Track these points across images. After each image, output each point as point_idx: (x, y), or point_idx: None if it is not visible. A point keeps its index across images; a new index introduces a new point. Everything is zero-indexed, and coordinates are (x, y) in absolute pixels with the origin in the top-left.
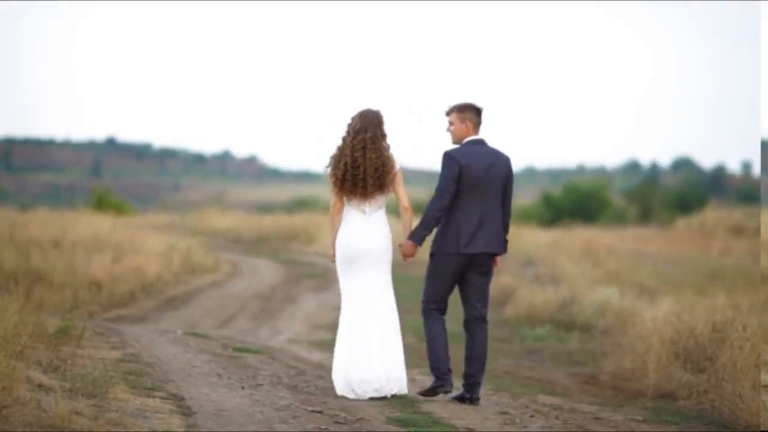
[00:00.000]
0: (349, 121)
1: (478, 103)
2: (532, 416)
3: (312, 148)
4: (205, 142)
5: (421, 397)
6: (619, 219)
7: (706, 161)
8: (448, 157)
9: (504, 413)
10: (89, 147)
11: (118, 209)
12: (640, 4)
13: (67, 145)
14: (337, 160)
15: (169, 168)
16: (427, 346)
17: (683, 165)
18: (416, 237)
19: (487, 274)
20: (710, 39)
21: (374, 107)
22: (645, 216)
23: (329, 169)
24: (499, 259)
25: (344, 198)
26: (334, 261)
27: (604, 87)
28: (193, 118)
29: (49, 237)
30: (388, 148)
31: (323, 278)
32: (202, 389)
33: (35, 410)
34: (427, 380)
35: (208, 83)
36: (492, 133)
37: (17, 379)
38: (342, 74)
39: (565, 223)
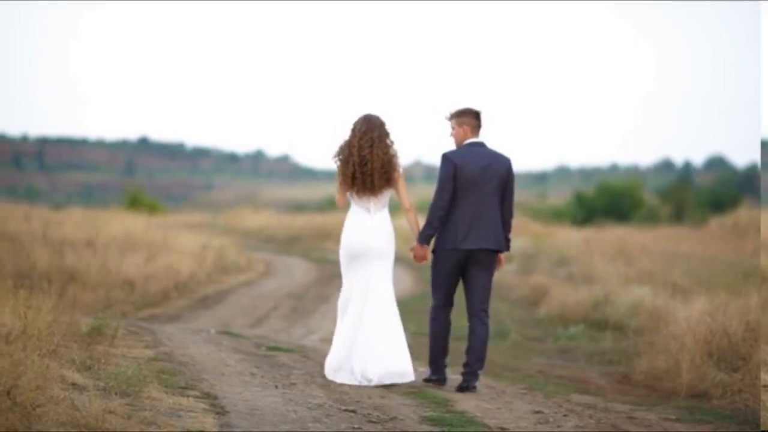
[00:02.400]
0: (353, 125)
1: (476, 108)
2: (565, 415)
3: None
4: (237, 142)
5: (455, 395)
6: (652, 218)
7: (740, 160)
8: (444, 158)
9: (537, 412)
10: (122, 146)
11: (151, 208)
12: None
13: (100, 145)
14: (346, 159)
15: (202, 167)
16: (429, 338)
17: (716, 164)
18: (422, 237)
19: (487, 269)
20: (744, 38)
21: (375, 113)
22: (678, 215)
23: (339, 167)
24: (503, 257)
25: (350, 195)
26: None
27: (638, 86)
28: (225, 117)
29: (83, 236)
30: (392, 144)
31: None
32: (235, 388)
33: (69, 409)
34: (461, 378)
35: (241, 83)
36: (525, 133)
37: (51, 378)
38: (374, 74)
39: (598, 222)
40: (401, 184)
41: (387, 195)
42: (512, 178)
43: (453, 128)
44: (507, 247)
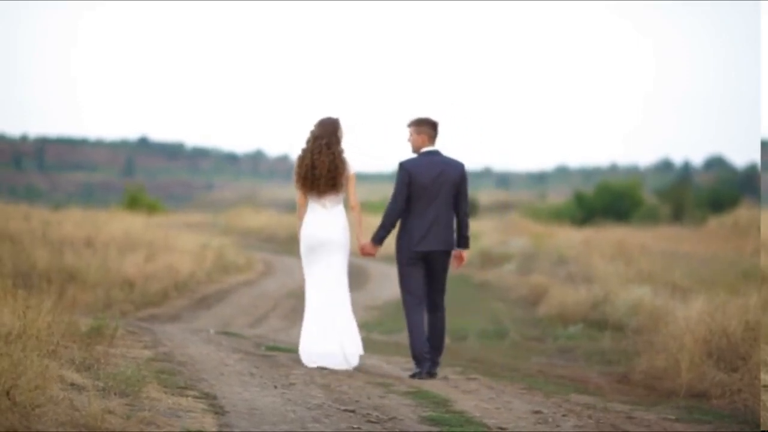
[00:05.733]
0: (312, 128)
1: (434, 118)
2: (564, 415)
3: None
4: (237, 142)
5: (454, 396)
6: (652, 218)
7: (740, 160)
8: (400, 167)
9: (537, 412)
10: (122, 146)
11: (151, 208)
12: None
13: (100, 145)
14: (301, 161)
15: (202, 167)
16: (408, 335)
17: (716, 164)
18: (376, 238)
19: (442, 268)
20: (744, 38)
21: (333, 116)
22: (678, 215)
23: (295, 169)
24: (464, 253)
25: (307, 194)
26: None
27: (638, 86)
28: (225, 117)
29: (82, 236)
30: (341, 152)
31: (355, 278)
32: (234, 388)
33: (68, 409)
34: (460, 379)
35: (241, 83)
36: (525, 133)
37: (50, 378)
38: (374, 74)
39: (598, 222)
40: (351, 184)
41: (341, 193)
42: (465, 182)
43: (411, 135)
44: (466, 245)
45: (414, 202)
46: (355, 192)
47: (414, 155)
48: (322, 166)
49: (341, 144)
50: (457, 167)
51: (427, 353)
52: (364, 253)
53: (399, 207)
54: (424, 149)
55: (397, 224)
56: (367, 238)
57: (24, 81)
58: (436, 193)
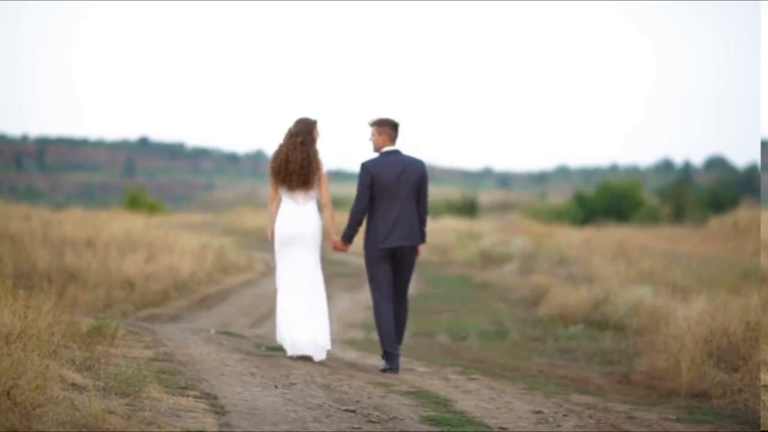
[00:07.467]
0: (290, 125)
1: (395, 119)
2: (565, 415)
3: (340, 147)
4: (237, 142)
5: (455, 395)
6: (653, 218)
7: (740, 160)
8: (362, 167)
9: (537, 412)
10: (122, 146)
11: (151, 208)
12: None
13: (100, 145)
14: (276, 155)
15: (202, 167)
16: (377, 329)
17: (716, 164)
18: (344, 236)
19: (408, 263)
20: (744, 38)
21: (311, 117)
22: (678, 215)
23: (270, 162)
24: (421, 248)
25: (280, 188)
26: (272, 243)
27: (638, 86)
28: (225, 117)
29: (83, 236)
30: (316, 152)
31: (356, 277)
32: (235, 388)
33: (69, 409)
34: (461, 379)
35: (241, 83)
36: (525, 133)
37: (51, 378)
38: (374, 74)
39: (598, 223)
40: (323, 183)
41: (314, 189)
42: (426, 180)
43: (373, 134)
44: (423, 240)
45: (378, 200)
46: (328, 190)
47: (375, 154)
48: (295, 161)
49: (316, 144)
50: (419, 165)
51: (395, 351)
52: (336, 248)
53: (362, 207)
54: (385, 149)
55: (364, 222)
56: (339, 235)
57: (24, 81)
58: (399, 191)
